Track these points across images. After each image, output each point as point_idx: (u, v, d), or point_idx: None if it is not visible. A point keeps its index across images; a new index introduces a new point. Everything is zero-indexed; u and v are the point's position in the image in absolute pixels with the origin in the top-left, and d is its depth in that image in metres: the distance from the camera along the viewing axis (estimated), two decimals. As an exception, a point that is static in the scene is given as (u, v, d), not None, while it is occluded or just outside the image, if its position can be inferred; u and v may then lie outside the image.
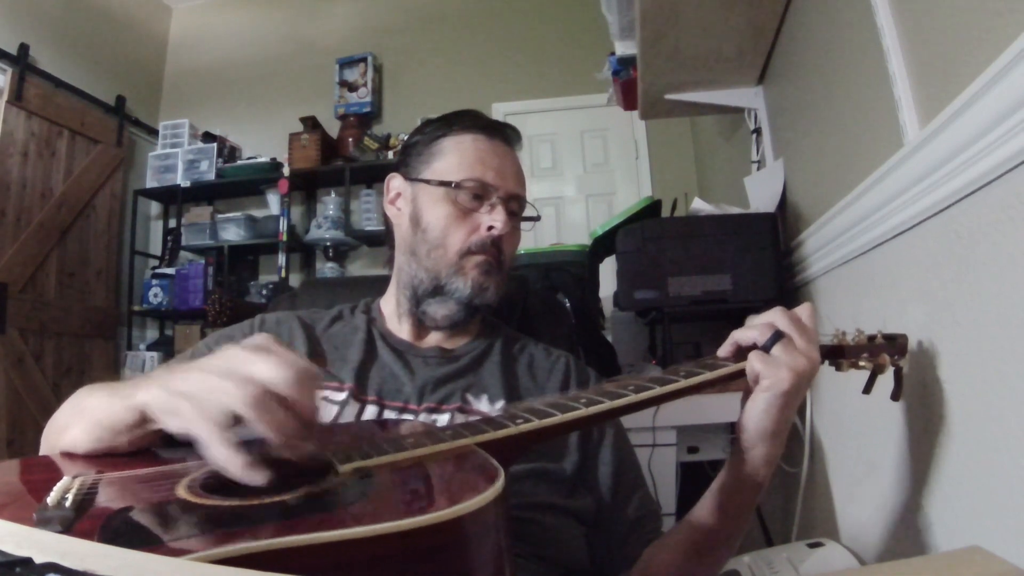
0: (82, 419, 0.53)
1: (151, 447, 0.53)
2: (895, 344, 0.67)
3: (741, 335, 0.60)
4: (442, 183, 0.80)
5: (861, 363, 0.65)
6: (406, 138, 0.92)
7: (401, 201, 0.86)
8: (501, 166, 0.82)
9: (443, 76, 3.65)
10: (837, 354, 0.65)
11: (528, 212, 0.86)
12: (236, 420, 0.43)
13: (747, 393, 0.59)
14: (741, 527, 0.66)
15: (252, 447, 0.50)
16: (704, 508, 0.65)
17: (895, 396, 0.69)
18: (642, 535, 0.74)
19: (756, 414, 0.58)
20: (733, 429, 1.38)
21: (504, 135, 0.86)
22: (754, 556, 0.93)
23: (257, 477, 0.41)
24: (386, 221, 0.90)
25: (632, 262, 1.26)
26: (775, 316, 0.59)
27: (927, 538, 0.73)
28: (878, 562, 0.85)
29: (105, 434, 0.51)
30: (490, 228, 0.79)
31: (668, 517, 1.11)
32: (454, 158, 0.82)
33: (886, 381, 0.69)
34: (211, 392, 0.43)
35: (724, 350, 0.62)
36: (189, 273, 3.43)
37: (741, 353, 0.60)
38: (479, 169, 0.80)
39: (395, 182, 0.88)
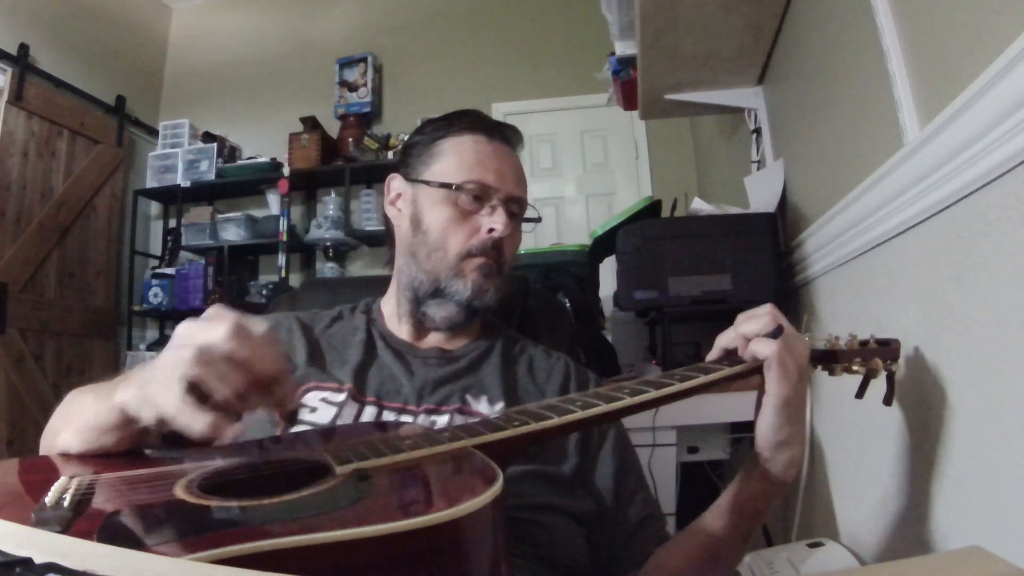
0: (71, 423, 0.53)
1: (146, 447, 0.53)
2: (888, 349, 0.67)
3: (735, 335, 0.61)
4: (443, 185, 0.80)
5: (854, 368, 0.65)
6: (406, 138, 0.91)
7: (401, 202, 0.86)
8: (501, 168, 0.82)
9: (443, 76, 3.64)
10: (830, 359, 0.65)
11: (529, 214, 0.86)
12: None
13: (759, 403, 0.59)
14: (756, 529, 0.66)
15: (252, 446, 0.50)
16: (722, 513, 0.65)
17: (887, 401, 0.68)
18: (645, 537, 0.74)
19: (767, 430, 0.58)
20: (733, 429, 1.40)
21: (504, 136, 0.85)
22: (754, 556, 0.93)
23: (228, 433, 0.44)
24: (386, 221, 0.90)
25: (632, 262, 1.26)
26: (771, 309, 0.60)
27: (927, 538, 0.73)
28: (878, 562, 0.85)
29: (93, 436, 0.51)
30: (491, 230, 0.79)
31: (668, 517, 1.11)
32: (454, 160, 0.81)
33: (880, 385, 0.69)
34: (164, 369, 0.45)
35: (712, 356, 0.62)
36: (189, 273, 3.43)
37: (730, 356, 0.61)
38: (479, 171, 0.80)
39: (395, 183, 0.88)
